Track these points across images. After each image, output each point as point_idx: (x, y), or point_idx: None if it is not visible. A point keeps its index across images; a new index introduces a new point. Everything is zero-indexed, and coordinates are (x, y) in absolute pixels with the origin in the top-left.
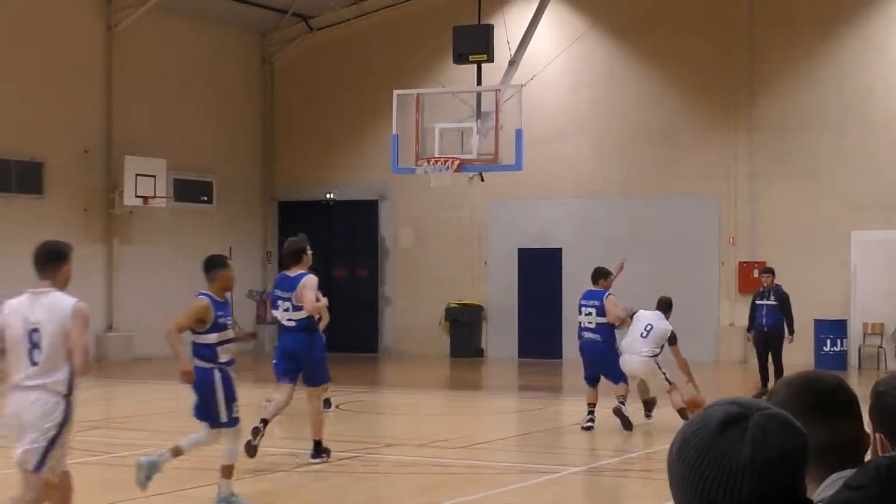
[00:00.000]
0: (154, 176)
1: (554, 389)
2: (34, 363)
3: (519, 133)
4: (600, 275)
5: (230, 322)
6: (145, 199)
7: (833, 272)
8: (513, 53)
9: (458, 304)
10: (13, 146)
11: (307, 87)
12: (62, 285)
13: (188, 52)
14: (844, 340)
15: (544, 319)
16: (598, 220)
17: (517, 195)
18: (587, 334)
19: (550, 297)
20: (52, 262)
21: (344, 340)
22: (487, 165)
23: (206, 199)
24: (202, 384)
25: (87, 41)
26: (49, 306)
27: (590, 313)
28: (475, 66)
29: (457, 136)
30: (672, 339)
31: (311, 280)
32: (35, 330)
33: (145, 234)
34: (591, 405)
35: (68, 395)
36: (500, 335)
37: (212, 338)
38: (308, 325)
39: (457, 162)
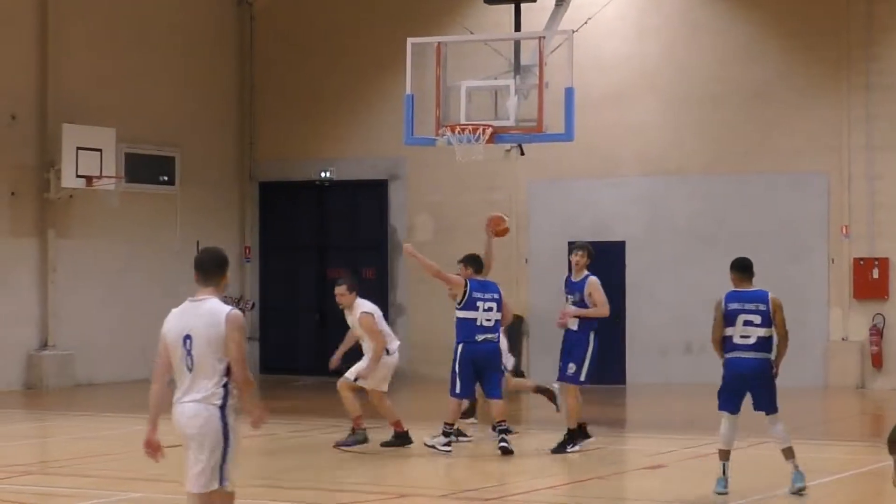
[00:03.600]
0: (100, 150)
1: (616, 424)
2: None
3: (569, 93)
4: None
5: None
6: (89, 179)
7: None
8: None
9: None
10: None
11: (296, 36)
12: None
13: None
14: None
15: (603, 334)
16: (673, 206)
17: (567, 173)
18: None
19: (611, 304)
20: None
21: (345, 361)
22: (529, 135)
23: (166, 179)
24: None
25: None
26: None
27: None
28: (512, 6)
29: (489, 98)
30: None
31: None
32: None
33: (89, 225)
34: None
35: None
36: (546, 354)
37: None
38: None
39: (489, 130)
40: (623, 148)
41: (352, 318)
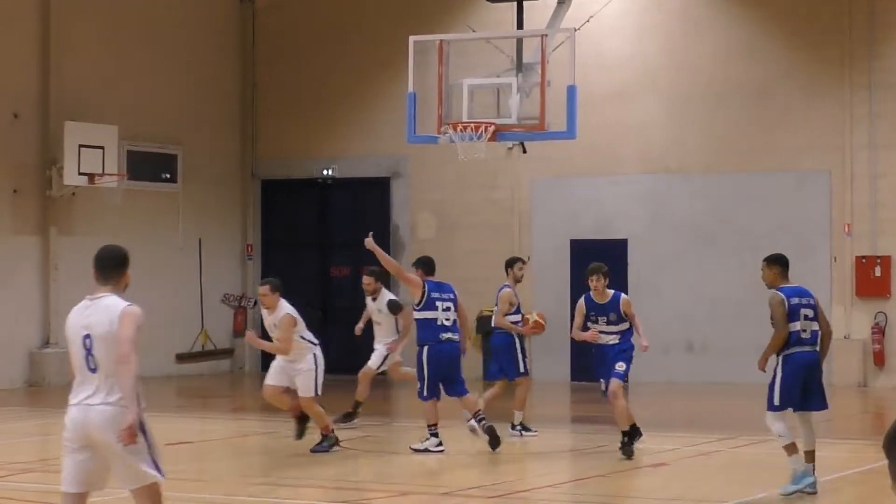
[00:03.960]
0: (102, 147)
1: None
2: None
3: (571, 91)
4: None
5: None
6: (91, 176)
7: None
8: None
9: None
10: None
11: (298, 34)
12: None
13: None
14: None
15: None
16: (674, 204)
17: (569, 171)
18: None
19: None
20: None
21: (347, 359)
22: (531, 133)
23: (168, 176)
24: None
25: None
26: None
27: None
28: (515, 4)
29: (491, 96)
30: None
31: None
32: None
33: (91, 223)
34: None
35: None
36: (548, 352)
37: None
38: None
39: (491, 128)
40: (625, 146)
41: (272, 319)
